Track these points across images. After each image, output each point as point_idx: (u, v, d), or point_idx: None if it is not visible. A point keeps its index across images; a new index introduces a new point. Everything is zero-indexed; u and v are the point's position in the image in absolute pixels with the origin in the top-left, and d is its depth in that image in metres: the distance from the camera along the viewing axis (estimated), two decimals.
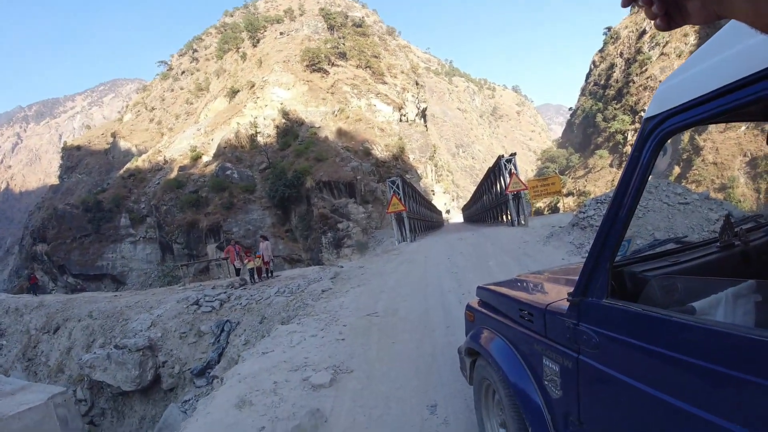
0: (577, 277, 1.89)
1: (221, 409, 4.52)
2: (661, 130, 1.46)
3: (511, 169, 20.64)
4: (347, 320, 7.39)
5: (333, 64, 62.45)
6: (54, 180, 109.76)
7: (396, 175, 27.49)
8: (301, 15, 77.50)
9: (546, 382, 2.06)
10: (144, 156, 68.59)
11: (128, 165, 68.68)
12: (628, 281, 1.88)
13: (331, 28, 71.75)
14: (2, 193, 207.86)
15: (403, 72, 68.15)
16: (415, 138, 60.20)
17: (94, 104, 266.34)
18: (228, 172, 50.03)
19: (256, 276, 15.54)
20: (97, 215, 56.06)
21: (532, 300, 2.37)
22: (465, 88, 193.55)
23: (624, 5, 0.84)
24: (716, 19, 0.73)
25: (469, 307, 3.29)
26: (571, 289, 1.92)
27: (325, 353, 5.76)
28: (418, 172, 54.81)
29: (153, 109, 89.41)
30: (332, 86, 59.57)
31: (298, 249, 42.77)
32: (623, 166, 1.63)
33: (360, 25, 73.38)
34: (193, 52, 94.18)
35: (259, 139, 55.52)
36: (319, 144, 50.07)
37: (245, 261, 16.34)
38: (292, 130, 54.73)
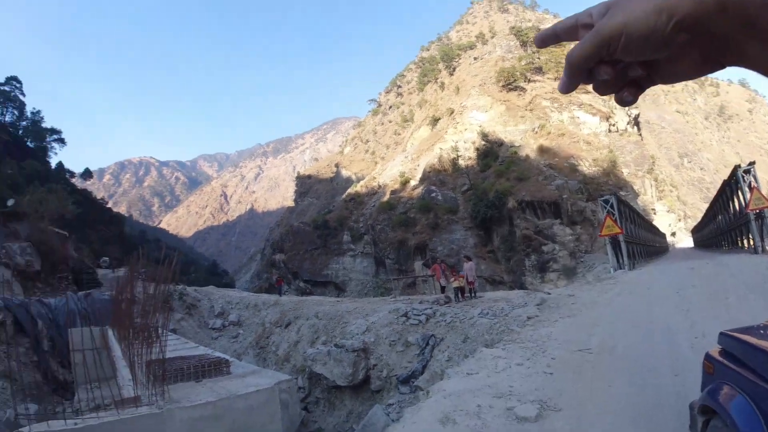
0: None
1: (426, 422, 4.73)
2: None
3: (750, 182, 17.09)
4: (556, 353, 7.07)
5: (529, 81, 60.93)
6: (290, 203, 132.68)
7: (608, 192, 25.25)
8: (492, 37, 77.99)
9: None
10: (361, 182, 77.80)
11: (349, 190, 78.77)
12: None
13: (523, 44, 70.24)
14: (248, 212, 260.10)
15: None
16: (629, 149, 53.88)
17: (319, 140, 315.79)
18: (433, 195, 53.09)
19: (460, 295, 15.90)
20: (324, 232, 65.87)
21: None
22: (683, 88, 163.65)
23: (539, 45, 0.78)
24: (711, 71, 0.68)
25: (708, 357, 2.94)
26: None
27: (531, 385, 5.55)
28: (635, 188, 48.78)
29: (367, 141, 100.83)
30: (530, 103, 58.09)
31: (500, 270, 42.52)
32: None
33: None
34: (397, 88, 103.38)
35: (461, 162, 57.41)
36: (520, 163, 49.19)
37: (450, 279, 16.76)
38: (491, 151, 55.12)
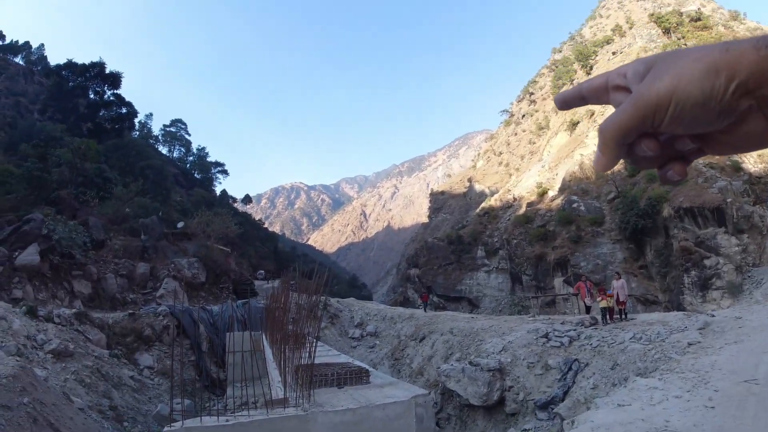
0: None
1: None
2: None
3: None
4: (719, 384, 6.30)
5: None
6: (424, 219, 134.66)
7: None
8: (630, 28, 70.84)
9: None
10: (495, 196, 75.94)
11: (483, 204, 77.40)
12: None
13: (666, 31, 62.56)
14: (385, 229, 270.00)
15: None
16: None
17: (451, 156, 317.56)
18: (574, 205, 49.50)
19: (608, 316, 14.63)
20: (458, 247, 65.38)
21: None
22: None
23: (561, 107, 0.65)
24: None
25: None
26: None
27: (689, 420, 5.08)
28: None
29: (500, 153, 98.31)
30: None
31: (653, 289, 37.71)
32: None
33: (698, 19, 61.32)
34: (529, 96, 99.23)
35: None
36: None
37: (597, 299, 15.49)
38: None
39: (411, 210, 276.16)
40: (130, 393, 13.73)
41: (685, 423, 4.99)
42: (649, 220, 38.83)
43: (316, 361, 10.26)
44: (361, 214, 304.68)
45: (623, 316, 14.96)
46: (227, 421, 7.05)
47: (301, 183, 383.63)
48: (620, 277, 15.83)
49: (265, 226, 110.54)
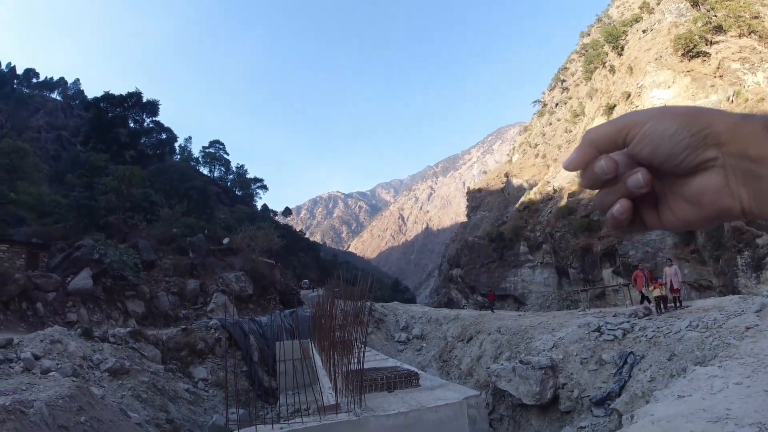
0: None
1: None
2: None
3: None
4: None
5: (711, 43, 51.07)
6: (462, 218, 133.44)
7: None
8: (658, 4, 67.62)
9: None
10: (534, 189, 74.33)
11: (522, 199, 75.92)
12: None
13: (695, 3, 59.25)
14: (424, 231, 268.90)
15: None
16: None
17: (486, 152, 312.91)
18: None
19: (662, 305, 14.17)
20: (500, 244, 64.27)
21: None
22: None
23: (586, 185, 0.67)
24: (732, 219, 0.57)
25: None
26: None
27: (750, 406, 4.93)
28: None
29: (536, 145, 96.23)
30: (718, 68, 48.45)
31: (707, 273, 35.76)
32: None
33: None
34: (561, 83, 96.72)
35: None
36: None
37: (650, 288, 14.99)
38: None
39: (449, 210, 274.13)
40: (186, 405, 14.19)
41: (746, 410, 4.88)
42: None
43: (365, 366, 10.38)
44: (399, 218, 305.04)
45: (677, 304, 14.40)
46: (281, 428, 7.23)
47: (337, 192, 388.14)
48: (672, 264, 15.28)
49: (306, 236, 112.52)
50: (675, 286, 14.44)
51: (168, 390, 14.28)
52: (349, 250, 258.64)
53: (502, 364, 13.82)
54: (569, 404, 11.62)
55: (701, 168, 0.56)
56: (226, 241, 35.93)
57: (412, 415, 8.02)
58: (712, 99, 47.16)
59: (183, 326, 19.91)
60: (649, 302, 15.30)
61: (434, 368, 19.41)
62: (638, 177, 0.60)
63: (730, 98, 45.55)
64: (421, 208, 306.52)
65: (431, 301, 77.14)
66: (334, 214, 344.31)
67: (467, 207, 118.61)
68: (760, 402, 5.01)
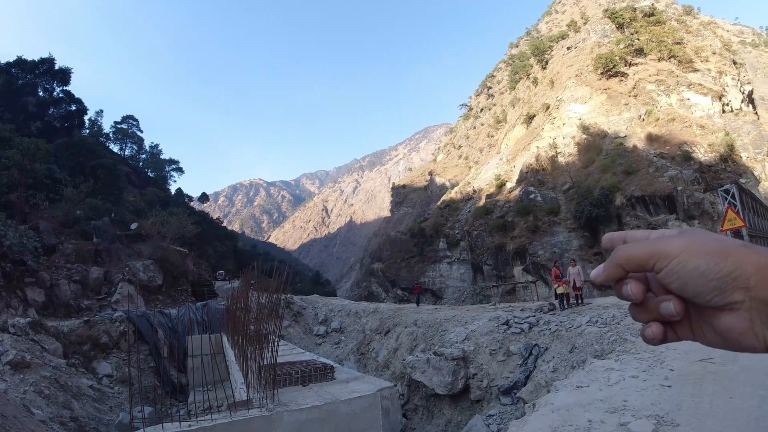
0: None
1: None
2: None
3: None
4: (675, 364, 6.57)
5: (630, 64, 56.14)
6: (386, 213, 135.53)
7: (727, 180, 22.27)
8: (585, 23, 73.15)
9: None
10: (456, 188, 77.10)
11: (444, 197, 78.42)
12: None
13: (620, 26, 64.92)
14: (348, 224, 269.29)
15: (714, 53, 55.65)
16: (745, 130, 47.41)
17: (412, 150, 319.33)
18: (531, 196, 50.85)
19: (565, 302, 15.22)
20: (421, 240, 66.11)
21: None
22: None
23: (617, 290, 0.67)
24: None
25: None
26: None
27: (647, 399, 5.26)
28: (755, 174, 42.84)
29: (460, 147, 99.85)
30: (633, 88, 53.45)
31: None
32: None
33: (652, 14, 63.79)
34: (487, 90, 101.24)
35: (560, 159, 54.42)
36: (627, 155, 45.30)
37: (554, 285, 16.08)
38: (594, 144, 51.45)
39: (373, 204, 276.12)
40: (90, 403, 13.16)
41: (643, 402, 5.14)
42: (603, 209, 40.41)
43: (280, 360, 10.08)
44: (322, 209, 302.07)
45: (579, 302, 15.48)
46: (189, 426, 6.80)
47: (260, 180, 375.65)
48: (576, 264, 16.30)
49: (224, 224, 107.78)
50: (578, 285, 15.49)
51: (71, 386, 13.18)
52: (270, 240, 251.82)
53: (417, 356, 14.14)
54: (479, 393, 12.10)
55: (727, 308, 0.57)
56: (134, 226, 33.29)
57: (325, 408, 7.94)
58: (624, 116, 51.64)
59: (85, 318, 18.18)
60: (556, 298, 16.33)
61: (352, 361, 19.39)
62: (670, 307, 0.61)
63: (642, 117, 50.15)
64: (345, 201, 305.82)
65: (352, 294, 77.52)
66: (255, 203, 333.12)
67: (391, 202, 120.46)
68: (656, 395, 5.31)
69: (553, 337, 11.78)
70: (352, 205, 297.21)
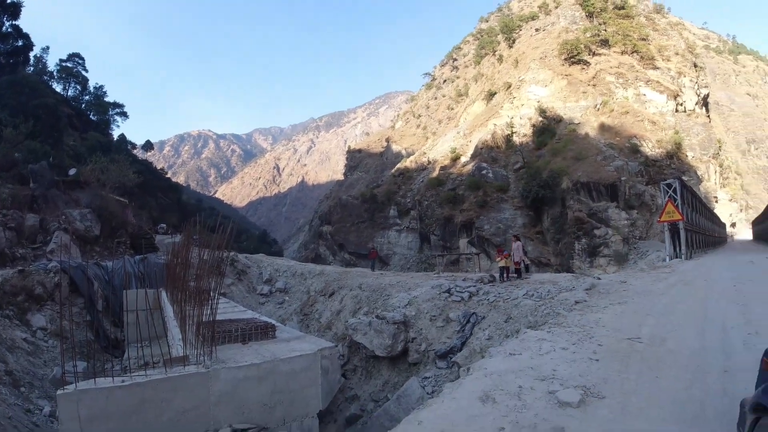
0: None
1: (465, 399, 4.66)
2: None
3: None
4: (603, 340, 6.86)
5: (594, 54, 57.45)
6: (339, 176, 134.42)
7: (671, 176, 23.72)
8: (556, 7, 73.53)
9: None
10: (411, 157, 77.33)
11: (398, 165, 78.57)
12: None
13: (589, 15, 65.81)
14: (299, 184, 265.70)
15: (677, 53, 57.88)
16: (695, 131, 50.41)
17: (371, 114, 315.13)
18: (483, 172, 51.91)
19: (505, 275, 15.64)
20: (372, 206, 66.50)
21: None
22: (755, 68, 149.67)
23: None
24: None
25: (767, 354, 2.91)
26: None
27: (575, 370, 5.44)
28: (698, 173, 45.77)
29: (419, 116, 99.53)
30: (594, 78, 54.93)
31: (547, 252, 41.30)
32: None
33: (622, 7, 64.94)
34: (453, 61, 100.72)
35: (515, 138, 55.57)
36: (579, 141, 46.90)
37: (497, 259, 16.49)
38: (549, 128, 52.84)
39: (327, 166, 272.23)
40: (24, 356, 12.67)
41: (571, 372, 5.36)
42: (549, 190, 41.95)
43: (221, 318, 9.90)
44: (274, 167, 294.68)
45: (519, 275, 16.07)
46: (123, 381, 6.61)
47: (209, 131, 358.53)
48: (518, 240, 16.82)
49: (168, 176, 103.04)
50: (516, 260, 16.05)
51: (5, 338, 12.66)
52: (216, 195, 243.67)
53: (359, 319, 14.49)
54: (417, 356, 12.55)
55: None
56: (73, 172, 31.04)
57: (264, 366, 7.95)
58: (581, 104, 53.07)
59: (20, 267, 17.12)
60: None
61: (295, 322, 19.49)
62: None
63: (597, 106, 51.72)
64: (299, 160, 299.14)
65: (299, 256, 77.15)
66: (203, 155, 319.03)
67: (346, 166, 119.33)
68: (584, 368, 5.56)
69: (490, 307, 12.21)
70: (305, 165, 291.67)
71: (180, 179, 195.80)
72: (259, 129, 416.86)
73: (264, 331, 9.97)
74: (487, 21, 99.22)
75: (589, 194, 39.40)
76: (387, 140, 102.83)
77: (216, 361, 7.65)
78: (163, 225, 38.83)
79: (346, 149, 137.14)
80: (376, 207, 66.25)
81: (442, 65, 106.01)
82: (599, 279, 13.97)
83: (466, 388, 4.98)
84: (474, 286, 14.19)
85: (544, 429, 3.91)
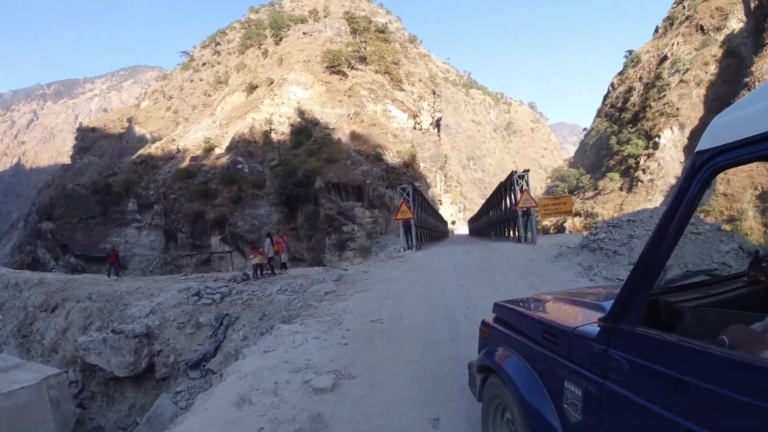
0: (598, 301, 1.96)
1: (220, 406, 4.43)
2: (711, 165, 1.46)
3: (523, 186, 20.71)
4: (351, 325, 7.33)
5: (353, 68, 62.64)
6: (66, 159, 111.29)
7: (406, 182, 27.54)
8: (325, 17, 77.68)
9: (565, 405, 2.04)
10: (158, 143, 69.06)
11: (141, 151, 69.20)
12: (662, 311, 1.86)
13: (354, 31, 71.83)
14: (13, 167, 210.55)
15: (421, 80, 68.36)
16: (428, 147, 60.46)
17: (113, 88, 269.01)
18: (239, 166, 50.24)
19: (259, 272, 15.56)
20: (106, 198, 56.13)
21: (557, 322, 2.33)
22: (481, 101, 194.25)
23: None
24: None
25: (484, 323, 3.25)
26: (598, 314, 1.95)
27: (327, 356, 5.71)
28: (428, 180, 54.88)
29: (171, 97, 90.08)
30: (350, 89, 59.77)
31: (301, 248, 42.79)
32: (671, 196, 1.63)
33: (383, 31, 73.29)
34: (215, 45, 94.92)
35: (273, 135, 55.72)
36: (332, 145, 50.14)
37: (250, 256, 16.32)
38: (306, 129, 54.88)
39: (50, 146, 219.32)
40: None
41: (323, 359, 5.62)
42: (304, 189, 43.58)
43: None
44: None
45: (273, 272, 15.99)
46: None
47: None
48: (270, 237, 16.82)
49: None
50: (270, 255, 15.97)
51: None
52: None
53: (91, 336, 12.57)
54: (165, 370, 11.47)
55: None
56: None
57: None
58: (336, 111, 56.77)
59: None
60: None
61: (12, 346, 16.30)
62: None
63: (351, 116, 55.93)
64: (16, 136, 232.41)
65: (12, 261, 60.79)
66: None
67: (75, 146, 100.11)
68: (335, 353, 5.89)
69: (244, 306, 11.84)
70: (23, 143, 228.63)
71: None
72: None
73: None
74: (257, 12, 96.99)
75: (339, 194, 42.59)
76: (129, 120, 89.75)
77: None
78: None
79: (77, 126, 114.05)
80: (111, 199, 56.18)
81: (203, 47, 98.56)
82: (346, 270, 15.12)
83: (219, 394, 4.78)
84: (226, 286, 13.65)
85: (302, 419, 3.99)
